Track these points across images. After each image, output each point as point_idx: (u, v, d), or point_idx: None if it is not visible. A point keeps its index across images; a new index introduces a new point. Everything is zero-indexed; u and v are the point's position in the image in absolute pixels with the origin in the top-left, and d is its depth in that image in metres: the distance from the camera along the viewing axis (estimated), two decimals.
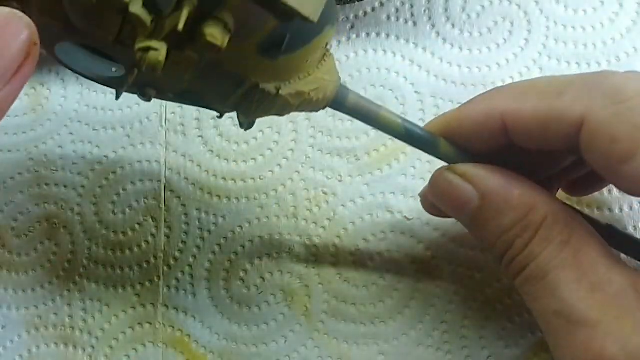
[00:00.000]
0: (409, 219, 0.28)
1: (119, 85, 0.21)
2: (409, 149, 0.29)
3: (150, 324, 0.29)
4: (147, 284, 0.29)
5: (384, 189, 0.29)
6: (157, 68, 0.18)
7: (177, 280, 0.29)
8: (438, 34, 0.30)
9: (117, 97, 0.21)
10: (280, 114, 0.22)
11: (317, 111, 0.23)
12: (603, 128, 0.19)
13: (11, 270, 0.30)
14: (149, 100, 0.21)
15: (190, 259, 0.29)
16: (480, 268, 0.28)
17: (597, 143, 0.19)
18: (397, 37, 0.31)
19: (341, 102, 0.23)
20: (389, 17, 0.31)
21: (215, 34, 0.17)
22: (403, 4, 0.31)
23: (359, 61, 0.31)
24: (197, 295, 0.29)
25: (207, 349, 0.28)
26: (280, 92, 0.20)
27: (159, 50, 0.17)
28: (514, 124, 0.21)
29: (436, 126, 0.24)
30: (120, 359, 0.29)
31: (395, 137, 0.23)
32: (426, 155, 0.29)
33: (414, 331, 0.28)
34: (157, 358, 0.29)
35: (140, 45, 0.17)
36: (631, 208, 0.28)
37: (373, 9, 0.31)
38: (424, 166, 0.29)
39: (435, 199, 0.24)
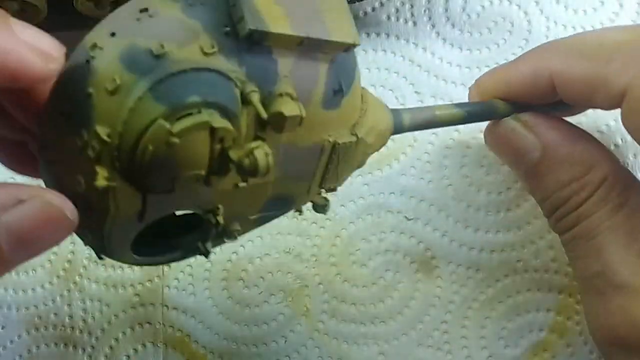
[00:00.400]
0: (409, 219, 0.28)
1: (201, 240, 0.20)
2: (409, 148, 0.29)
3: (150, 324, 0.29)
4: (147, 284, 0.29)
5: (384, 189, 0.29)
6: (269, 166, 0.16)
7: (177, 280, 0.29)
8: (438, 34, 0.30)
9: (207, 255, 0.20)
10: (362, 162, 0.21)
11: (385, 143, 0.22)
12: None
13: (11, 270, 0.30)
14: (235, 239, 0.20)
15: (191, 259, 0.29)
16: (480, 268, 0.28)
17: (633, 117, 0.19)
18: (397, 37, 0.31)
19: (399, 123, 0.22)
20: (389, 17, 0.31)
21: (290, 108, 0.16)
22: (403, 4, 0.31)
23: (359, 61, 0.30)
24: (197, 295, 0.29)
25: (207, 349, 0.28)
26: (359, 134, 0.20)
27: (260, 146, 0.16)
28: (562, 85, 0.21)
29: (486, 90, 0.24)
30: (120, 359, 0.29)
31: (457, 124, 0.23)
32: (426, 155, 0.29)
33: (414, 331, 0.28)
34: (157, 358, 0.29)
35: (237, 154, 0.16)
36: None
37: (373, 9, 0.31)
38: (424, 166, 0.29)
39: (495, 146, 0.24)
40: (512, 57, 0.30)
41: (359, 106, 0.20)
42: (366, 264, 0.28)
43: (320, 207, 0.22)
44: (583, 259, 0.21)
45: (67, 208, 0.16)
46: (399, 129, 0.22)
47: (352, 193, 0.29)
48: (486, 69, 0.30)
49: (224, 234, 0.20)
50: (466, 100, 0.26)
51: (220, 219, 0.18)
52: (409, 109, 0.22)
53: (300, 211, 0.21)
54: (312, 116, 0.18)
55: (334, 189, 0.21)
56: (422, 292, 0.28)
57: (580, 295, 0.22)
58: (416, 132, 0.29)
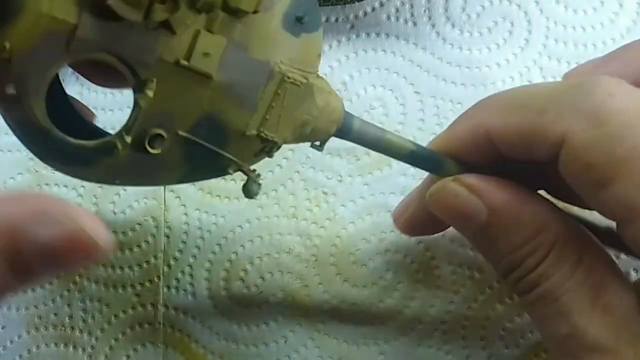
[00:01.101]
0: None
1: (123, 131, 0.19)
2: None
3: (150, 324, 0.29)
4: (147, 284, 0.29)
5: (384, 189, 0.29)
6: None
7: (177, 280, 0.29)
8: (438, 34, 0.30)
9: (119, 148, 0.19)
10: (304, 124, 0.20)
11: (325, 139, 0.22)
12: (580, 154, 0.18)
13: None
14: (151, 150, 0.19)
15: (190, 259, 0.29)
16: (480, 268, 0.28)
17: (573, 167, 0.19)
18: (397, 37, 0.31)
19: (349, 122, 0.22)
20: (389, 17, 0.31)
21: None
22: (403, 4, 0.31)
23: (359, 61, 0.31)
24: (197, 295, 0.29)
25: (207, 349, 0.28)
26: (310, 80, 0.20)
27: None
28: (499, 140, 0.21)
29: (433, 148, 0.23)
30: (120, 359, 0.29)
31: (400, 159, 0.23)
32: None
33: (414, 331, 0.28)
34: (157, 358, 0.29)
35: None
36: None
37: (373, 9, 0.31)
38: None
39: (439, 210, 0.23)
40: (512, 57, 0.30)
41: (316, 62, 0.20)
42: (366, 264, 0.28)
43: (250, 187, 0.21)
44: (549, 321, 0.20)
45: (100, 236, 0.16)
46: (347, 128, 0.22)
47: (352, 193, 0.29)
48: (486, 69, 0.30)
49: (144, 136, 0.19)
50: (465, 100, 0.26)
51: (150, 94, 0.18)
52: (363, 120, 0.22)
53: (228, 172, 0.20)
54: (269, 27, 0.18)
55: (270, 147, 0.20)
56: (422, 292, 0.28)
57: (553, 357, 0.21)
58: (415, 132, 0.29)
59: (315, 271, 0.28)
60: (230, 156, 0.20)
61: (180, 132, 0.19)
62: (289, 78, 0.19)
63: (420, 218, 0.25)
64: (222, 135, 0.19)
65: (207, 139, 0.19)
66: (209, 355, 0.28)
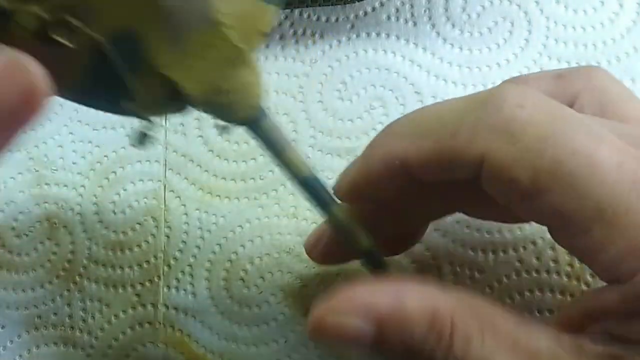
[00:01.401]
0: None
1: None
2: None
3: (150, 324, 0.29)
4: (147, 284, 0.29)
5: None
6: None
7: (177, 280, 0.29)
8: (438, 34, 0.30)
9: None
10: (218, 91, 0.19)
11: (229, 122, 0.20)
12: (501, 171, 0.18)
13: (11, 270, 0.30)
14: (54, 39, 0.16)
15: (190, 259, 0.29)
16: (480, 268, 0.28)
17: (497, 184, 0.18)
18: (397, 37, 0.31)
19: (263, 114, 0.20)
20: (389, 17, 0.31)
21: None
22: (403, 4, 0.31)
23: (359, 61, 0.31)
24: (197, 295, 0.29)
25: (207, 349, 0.28)
26: (246, 50, 0.18)
27: None
28: (415, 168, 0.20)
29: (345, 186, 0.23)
30: (120, 359, 0.29)
31: (293, 181, 0.22)
32: None
33: None
34: (157, 358, 0.29)
35: None
36: None
37: (373, 9, 0.31)
38: None
39: (328, 344, 0.21)
40: (512, 57, 0.30)
41: (257, 40, 0.19)
42: None
43: (140, 135, 0.20)
44: None
45: (34, 68, 0.15)
46: (257, 119, 0.20)
47: None
48: (486, 69, 0.30)
49: (53, 19, 0.16)
50: None
51: None
52: (276, 125, 0.21)
53: (122, 107, 0.19)
54: None
55: (173, 98, 0.19)
56: None
57: None
58: None
59: (315, 271, 0.28)
60: (134, 85, 0.18)
61: (96, 35, 0.17)
62: (226, 35, 0.18)
63: (335, 248, 0.24)
64: (135, 60, 0.17)
65: (118, 57, 0.17)
66: (209, 355, 0.28)
